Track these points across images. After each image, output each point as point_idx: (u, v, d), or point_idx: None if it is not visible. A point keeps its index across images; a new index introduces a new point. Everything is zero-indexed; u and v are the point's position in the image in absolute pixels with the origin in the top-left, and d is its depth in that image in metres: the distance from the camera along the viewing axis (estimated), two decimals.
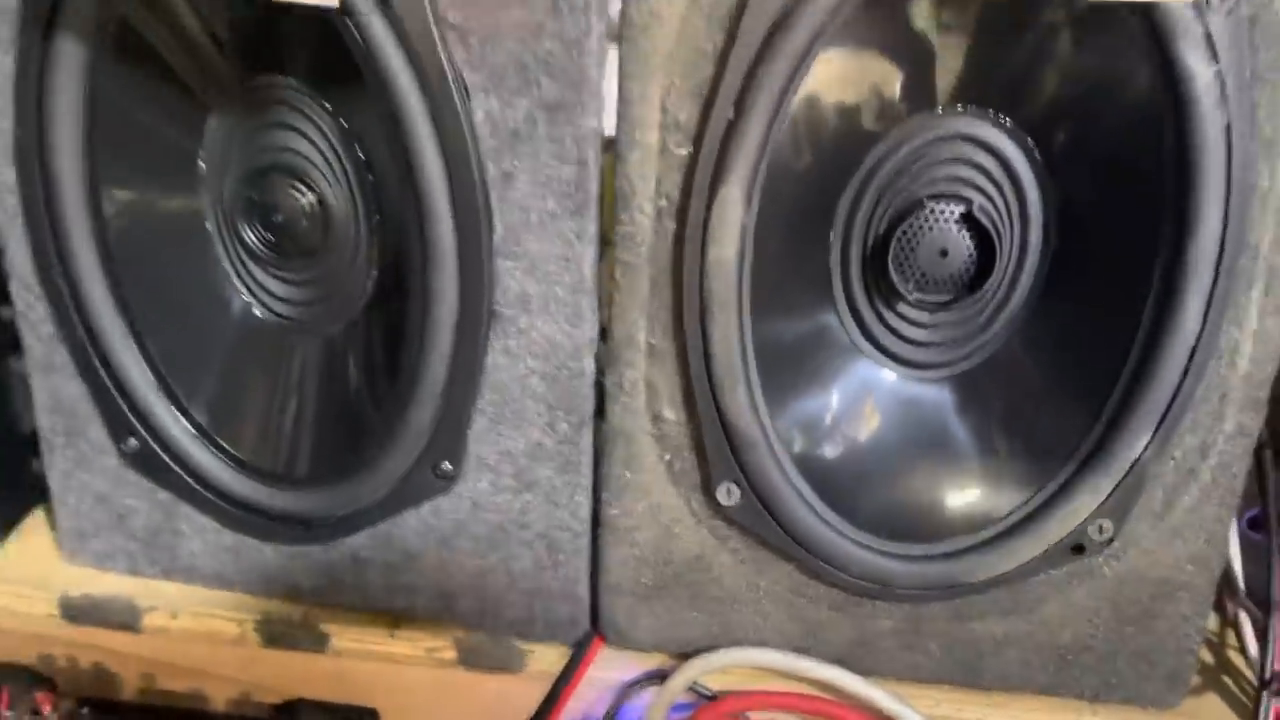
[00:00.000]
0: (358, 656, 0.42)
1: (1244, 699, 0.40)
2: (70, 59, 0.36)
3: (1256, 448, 0.44)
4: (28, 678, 0.43)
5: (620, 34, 0.34)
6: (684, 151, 0.34)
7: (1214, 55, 0.31)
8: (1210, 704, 0.40)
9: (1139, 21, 0.31)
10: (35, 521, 0.47)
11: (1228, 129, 0.31)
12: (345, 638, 0.42)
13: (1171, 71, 0.31)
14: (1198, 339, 0.34)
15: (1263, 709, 0.38)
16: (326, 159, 0.39)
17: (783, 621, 0.40)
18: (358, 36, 0.33)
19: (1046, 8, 0.32)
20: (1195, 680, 0.40)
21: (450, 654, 0.42)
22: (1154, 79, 0.32)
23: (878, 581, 0.38)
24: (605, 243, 0.37)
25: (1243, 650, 0.40)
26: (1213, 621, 0.43)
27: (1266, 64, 0.31)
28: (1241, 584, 0.42)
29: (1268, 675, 0.38)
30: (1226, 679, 0.41)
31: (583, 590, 0.41)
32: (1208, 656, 0.42)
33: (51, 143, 0.37)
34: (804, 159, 0.36)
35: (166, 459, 0.41)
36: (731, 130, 0.33)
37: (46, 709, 0.42)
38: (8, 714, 0.41)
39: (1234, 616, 0.41)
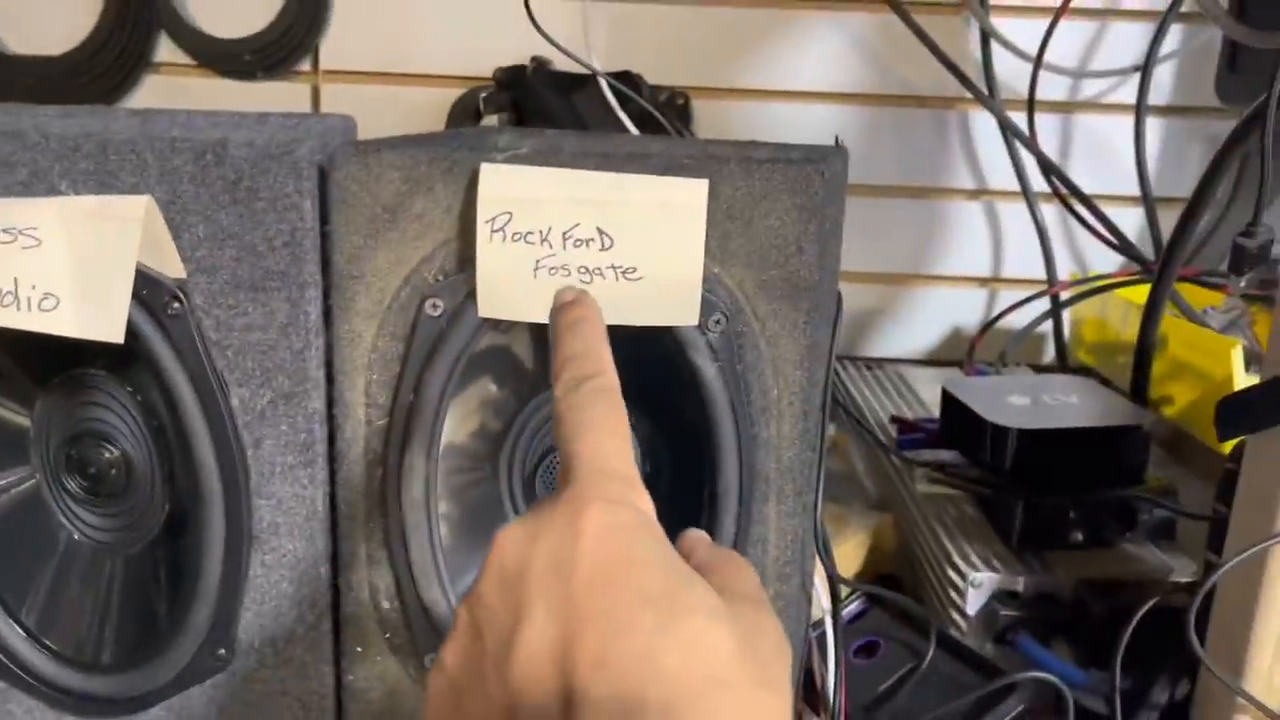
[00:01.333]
0: None
1: None
2: None
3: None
4: None
5: (334, 344, 0.49)
6: (383, 422, 0.49)
7: (715, 356, 0.48)
8: None
9: (671, 336, 0.48)
10: None
11: (731, 402, 0.48)
12: None
13: (691, 367, 0.48)
14: (735, 538, 0.50)
15: None
16: (128, 425, 0.52)
17: None
18: (144, 350, 0.48)
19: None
20: None
21: None
22: (687, 370, 0.48)
23: None
24: (333, 482, 0.51)
25: None
26: None
27: (750, 361, 0.48)
28: (832, 699, 0.57)
29: None
30: None
31: None
32: None
33: None
34: (476, 420, 0.51)
35: (2, 657, 0.53)
36: (412, 409, 0.48)
37: None
38: None
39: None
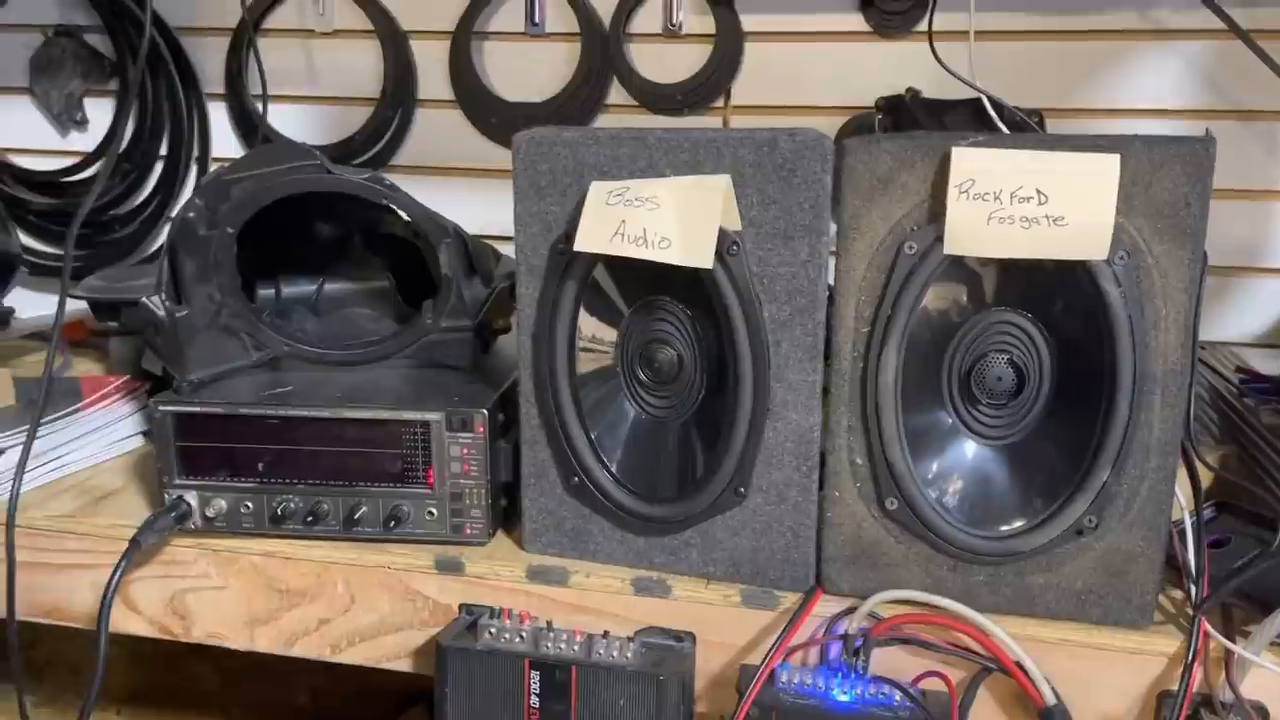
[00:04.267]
0: (686, 600, 0.78)
1: (1186, 623, 0.70)
2: (569, 290, 0.76)
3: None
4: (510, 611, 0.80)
5: (835, 274, 0.72)
6: (866, 329, 0.71)
7: (1119, 283, 0.66)
8: (1168, 628, 0.71)
9: (1083, 267, 0.67)
10: (500, 533, 0.86)
11: (1129, 318, 0.66)
12: (679, 589, 0.78)
13: (1098, 291, 0.66)
14: (1128, 422, 0.67)
15: (1195, 624, 0.69)
16: (682, 335, 0.77)
17: (921, 576, 0.73)
18: (710, 278, 0.72)
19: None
20: (1160, 617, 0.72)
21: (737, 598, 0.77)
22: (1093, 293, 0.67)
23: (972, 552, 0.71)
24: (827, 372, 0.73)
25: (1190, 600, 0.71)
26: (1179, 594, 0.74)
27: (1145, 287, 0.66)
28: (1193, 566, 0.73)
29: (1197, 602, 0.69)
30: (1181, 618, 0.72)
31: (811, 560, 0.75)
32: (1170, 607, 0.73)
33: (555, 329, 0.77)
34: (927, 332, 0.72)
35: (593, 490, 0.79)
36: (889, 320, 0.70)
37: (525, 622, 0.79)
38: (509, 623, 0.78)
39: (1186, 586, 0.72)
